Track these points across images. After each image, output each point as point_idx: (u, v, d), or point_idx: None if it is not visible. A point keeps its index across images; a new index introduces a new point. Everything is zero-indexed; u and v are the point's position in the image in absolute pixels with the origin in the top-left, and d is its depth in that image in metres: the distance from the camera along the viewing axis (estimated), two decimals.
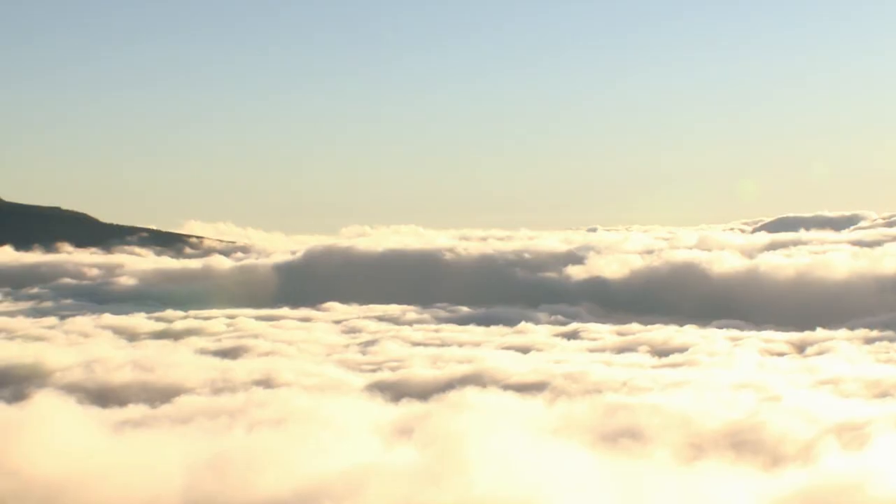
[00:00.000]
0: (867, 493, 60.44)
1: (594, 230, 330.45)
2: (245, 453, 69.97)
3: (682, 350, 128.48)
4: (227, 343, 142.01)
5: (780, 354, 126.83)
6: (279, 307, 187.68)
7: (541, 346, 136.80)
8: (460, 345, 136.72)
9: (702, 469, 69.88)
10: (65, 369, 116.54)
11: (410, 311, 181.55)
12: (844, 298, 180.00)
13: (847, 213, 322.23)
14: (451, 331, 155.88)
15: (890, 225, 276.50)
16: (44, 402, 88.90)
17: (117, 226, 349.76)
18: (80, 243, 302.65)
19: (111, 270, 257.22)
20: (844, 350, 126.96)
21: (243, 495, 61.49)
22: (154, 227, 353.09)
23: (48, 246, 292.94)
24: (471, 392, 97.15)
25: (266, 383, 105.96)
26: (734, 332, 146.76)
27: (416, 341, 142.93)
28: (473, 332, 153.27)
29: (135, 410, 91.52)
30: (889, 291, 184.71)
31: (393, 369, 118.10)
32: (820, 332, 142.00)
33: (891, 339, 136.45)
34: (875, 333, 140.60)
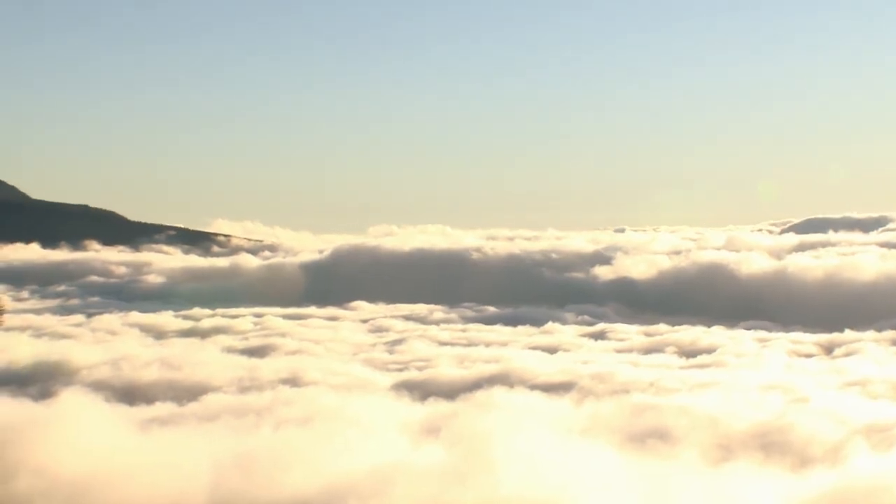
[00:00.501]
0: None
1: (622, 231, 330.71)
2: (272, 452, 70.01)
3: (709, 351, 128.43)
4: (255, 341, 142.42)
5: (808, 356, 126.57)
6: (306, 306, 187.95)
7: (568, 346, 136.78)
8: (487, 344, 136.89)
9: (730, 470, 69.63)
10: (92, 367, 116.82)
11: (437, 311, 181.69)
12: (873, 300, 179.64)
13: (875, 214, 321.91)
14: (477, 330, 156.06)
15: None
16: (70, 399, 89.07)
17: (145, 224, 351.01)
18: (108, 241, 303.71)
19: (138, 268, 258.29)
20: (873, 352, 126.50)
21: (270, 494, 61.52)
22: (182, 226, 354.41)
23: (76, 244, 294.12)
24: (498, 392, 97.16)
25: (293, 382, 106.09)
26: (762, 334, 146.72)
27: (442, 341, 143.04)
28: (500, 331, 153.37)
29: (162, 408, 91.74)
30: None
31: (420, 368, 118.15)
32: (848, 334, 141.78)
33: None
34: (893, 343, 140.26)
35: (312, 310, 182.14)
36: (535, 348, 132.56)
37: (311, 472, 64.44)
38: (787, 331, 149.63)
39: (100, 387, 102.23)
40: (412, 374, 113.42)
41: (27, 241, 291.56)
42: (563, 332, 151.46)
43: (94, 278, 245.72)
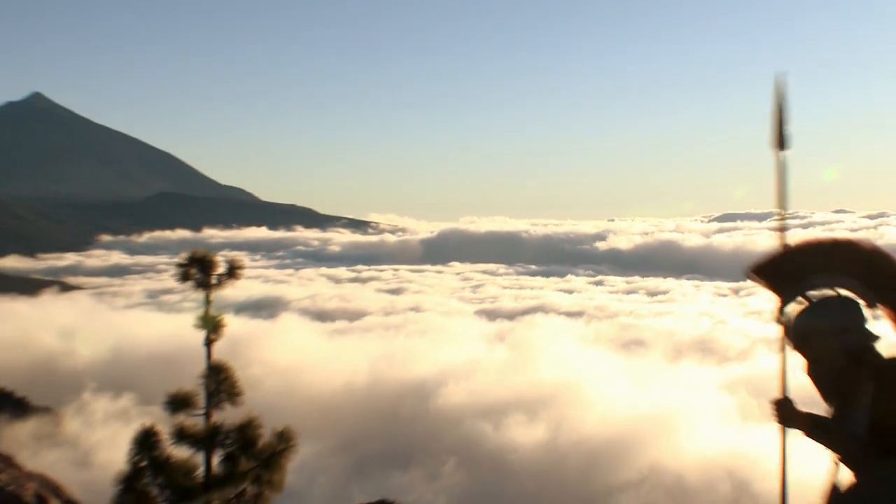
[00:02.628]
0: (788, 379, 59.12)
1: (612, 220, 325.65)
2: (404, 351, 69.87)
3: (665, 292, 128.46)
4: (393, 285, 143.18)
5: (725, 295, 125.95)
6: (424, 265, 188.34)
7: (580, 289, 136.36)
8: (532, 288, 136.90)
9: (680, 365, 68.85)
10: (298, 300, 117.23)
11: (501, 268, 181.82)
12: None
13: (766, 210, 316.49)
14: (525, 279, 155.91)
15: (794, 218, 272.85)
16: (286, 319, 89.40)
17: (329, 216, 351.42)
18: (307, 225, 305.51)
19: (325, 242, 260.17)
20: (765, 294, 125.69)
21: (403, 376, 61.36)
22: (350, 217, 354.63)
23: (288, 227, 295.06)
24: (538, 316, 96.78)
25: (416, 309, 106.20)
26: (697, 282, 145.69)
27: (504, 286, 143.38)
28: (539, 280, 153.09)
29: (339, 325, 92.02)
30: None
31: (491, 302, 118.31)
32: (749, 283, 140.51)
33: None
34: None
35: (427, 267, 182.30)
36: (560, 290, 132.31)
37: (427, 363, 64.15)
38: (712, 280, 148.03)
39: (304, 312, 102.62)
40: (486, 305, 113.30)
41: (259, 225, 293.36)
42: (577, 281, 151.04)
43: (300, 248, 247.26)
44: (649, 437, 49.97)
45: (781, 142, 2.64)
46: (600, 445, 50.59)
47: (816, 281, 2.43)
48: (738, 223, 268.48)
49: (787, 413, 2.39)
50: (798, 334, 2.42)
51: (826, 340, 2.36)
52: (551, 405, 54.95)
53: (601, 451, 50.16)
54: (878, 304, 2.33)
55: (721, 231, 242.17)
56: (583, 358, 67.16)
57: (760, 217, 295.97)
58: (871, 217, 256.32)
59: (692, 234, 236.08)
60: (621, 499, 45.45)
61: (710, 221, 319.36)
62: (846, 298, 2.38)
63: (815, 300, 2.41)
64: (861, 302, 2.37)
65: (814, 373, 2.41)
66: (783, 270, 2.45)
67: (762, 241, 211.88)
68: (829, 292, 2.40)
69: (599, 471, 48.41)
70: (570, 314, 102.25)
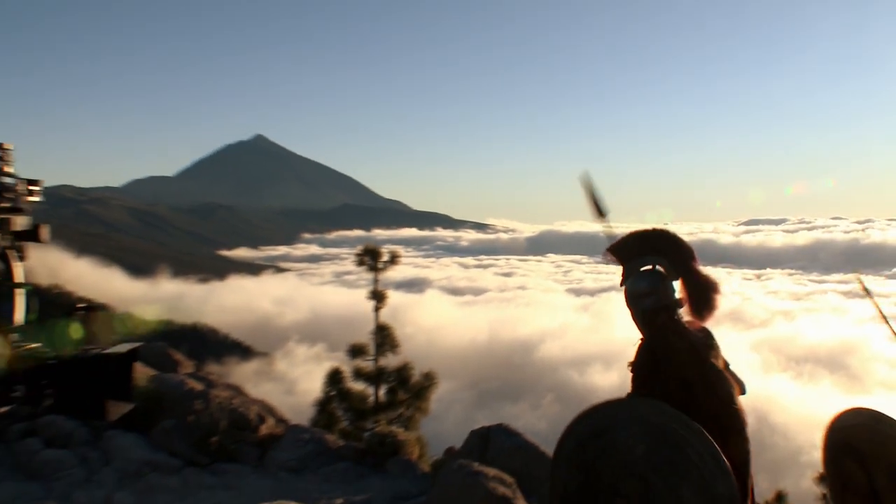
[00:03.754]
0: (797, 341, 57.32)
1: (666, 224, 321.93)
2: (514, 318, 69.71)
3: None
4: (506, 270, 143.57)
5: (750, 279, 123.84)
6: (528, 255, 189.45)
7: None
8: (607, 273, 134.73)
9: (717, 330, 67.04)
10: (438, 280, 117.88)
11: (583, 258, 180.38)
12: (780, 256, 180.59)
13: (781, 217, 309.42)
14: (602, 267, 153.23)
15: (801, 223, 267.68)
16: (430, 294, 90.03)
17: (460, 220, 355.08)
18: (444, 227, 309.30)
19: (457, 239, 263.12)
20: (780, 279, 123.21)
21: (514, 335, 61.33)
22: (475, 220, 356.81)
23: (431, 228, 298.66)
24: (612, 293, 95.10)
25: (522, 288, 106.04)
26: (729, 270, 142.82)
27: (586, 271, 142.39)
28: (612, 268, 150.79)
29: (467, 298, 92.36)
30: (800, 254, 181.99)
31: (577, 282, 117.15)
32: (768, 271, 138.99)
33: (800, 275, 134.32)
34: (789, 274, 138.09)
35: (530, 257, 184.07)
36: None
37: (531, 326, 63.90)
38: (740, 269, 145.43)
39: (442, 288, 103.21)
40: (574, 285, 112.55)
41: (410, 227, 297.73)
42: None
43: (439, 243, 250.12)
44: None
45: (600, 215, 2.84)
46: None
47: (643, 259, 2.66)
48: (760, 226, 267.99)
49: None
50: (626, 296, 2.66)
51: (639, 299, 2.61)
52: (623, 358, 54.11)
53: None
54: (677, 277, 2.58)
55: (747, 232, 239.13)
56: None
57: (777, 222, 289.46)
58: (859, 223, 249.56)
59: (725, 234, 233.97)
60: None
61: (738, 225, 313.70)
62: (656, 272, 2.61)
63: (637, 272, 2.65)
64: (666, 274, 2.61)
65: (635, 321, 2.66)
66: (624, 251, 2.72)
67: (778, 239, 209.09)
68: (648, 267, 2.63)
69: None
70: None
